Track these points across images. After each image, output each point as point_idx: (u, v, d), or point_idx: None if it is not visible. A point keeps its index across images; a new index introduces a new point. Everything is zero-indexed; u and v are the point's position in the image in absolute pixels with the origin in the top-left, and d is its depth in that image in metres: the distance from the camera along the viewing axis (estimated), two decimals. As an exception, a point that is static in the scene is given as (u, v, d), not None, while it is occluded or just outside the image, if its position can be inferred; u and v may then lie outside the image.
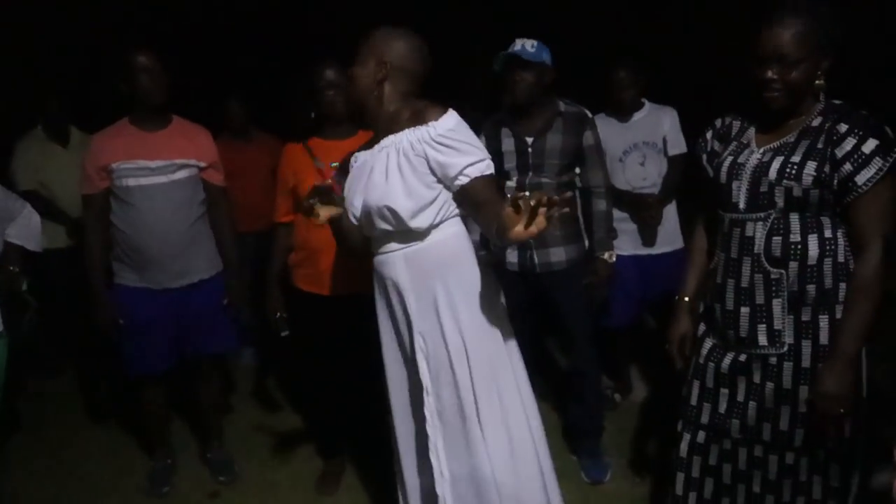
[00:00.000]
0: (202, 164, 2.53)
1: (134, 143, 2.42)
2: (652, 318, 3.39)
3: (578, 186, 2.58)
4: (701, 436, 1.82)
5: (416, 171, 1.68)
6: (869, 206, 1.55)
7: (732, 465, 1.79)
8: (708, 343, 1.81)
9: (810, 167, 1.56)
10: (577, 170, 2.54)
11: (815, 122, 1.61)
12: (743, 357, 1.71)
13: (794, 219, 1.61)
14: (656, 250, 2.98)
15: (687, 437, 1.84)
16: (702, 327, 1.85)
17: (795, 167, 1.58)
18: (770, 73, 1.57)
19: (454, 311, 1.72)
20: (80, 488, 2.76)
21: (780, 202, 1.61)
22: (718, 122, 1.82)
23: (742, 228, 1.67)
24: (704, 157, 1.82)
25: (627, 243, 2.96)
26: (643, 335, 3.31)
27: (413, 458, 1.88)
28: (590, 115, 2.54)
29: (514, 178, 2.49)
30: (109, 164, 2.39)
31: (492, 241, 2.16)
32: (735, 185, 1.67)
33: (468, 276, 1.75)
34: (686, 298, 1.91)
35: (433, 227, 1.73)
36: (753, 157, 1.66)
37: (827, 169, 1.55)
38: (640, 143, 2.92)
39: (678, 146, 2.93)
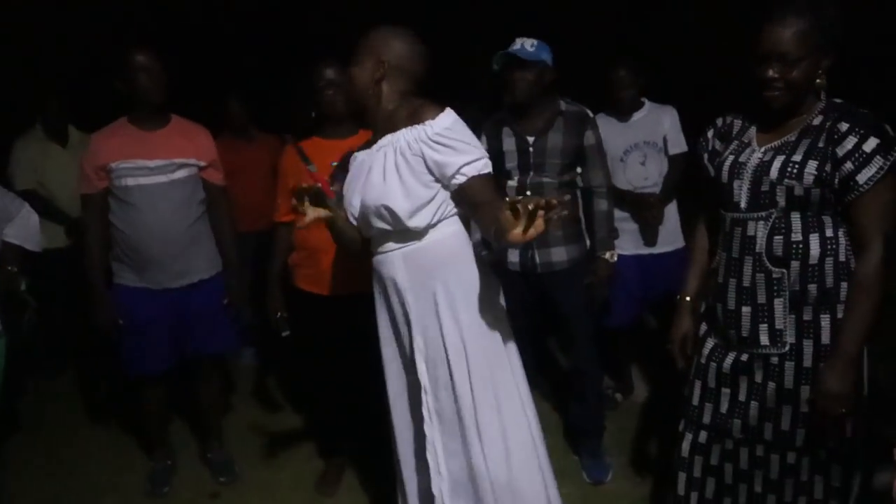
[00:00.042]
0: (201, 164, 2.52)
1: (133, 142, 2.41)
2: (653, 317, 3.39)
3: (580, 186, 2.57)
4: (703, 435, 1.82)
5: (414, 171, 1.68)
6: (870, 205, 1.55)
7: (734, 464, 1.78)
8: (709, 343, 1.81)
9: (811, 166, 1.56)
10: (579, 169, 2.53)
11: (816, 121, 1.60)
12: (744, 357, 1.71)
13: (796, 218, 1.61)
14: (657, 250, 2.98)
15: (689, 436, 1.84)
16: (703, 327, 1.85)
17: (797, 166, 1.57)
18: (771, 72, 1.57)
19: (454, 311, 1.72)
20: (79, 488, 2.76)
21: (781, 201, 1.60)
22: (719, 122, 1.82)
23: (743, 228, 1.66)
24: (705, 156, 1.81)
25: (629, 243, 2.95)
26: (644, 335, 3.31)
27: (412, 457, 1.88)
28: (591, 114, 2.54)
29: (516, 178, 2.49)
30: (108, 163, 2.38)
31: (492, 242, 2.16)
32: (736, 184, 1.67)
33: (467, 275, 1.75)
34: (687, 298, 1.91)
35: (431, 226, 1.72)
36: (755, 157, 1.65)
37: (828, 168, 1.55)
38: (641, 142, 2.91)
39: (679, 145, 2.93)
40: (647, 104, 2.96)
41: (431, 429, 1.75)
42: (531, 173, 2.47)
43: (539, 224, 1.33)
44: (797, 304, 1.63)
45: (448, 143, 1.66)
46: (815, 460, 1.68)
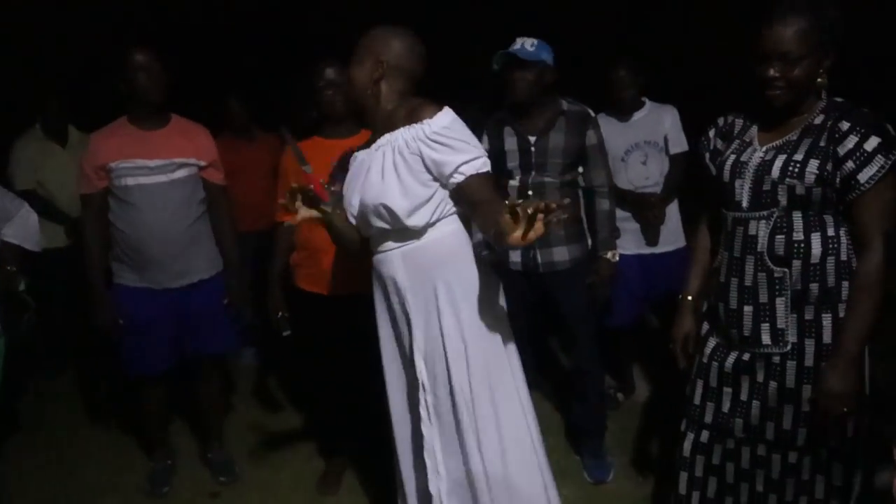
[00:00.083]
0: (202, 163, 2.52)
1: (132, 142, 2.41)
2: (655, 317, 3.38)
3: (581, 186, 2.57)
4: (704, 435, 1.81)
5: (412, 170, 1.68)
6: (871, 204, 1.55)
7: (736, 464, 1.78)
8: (711, 342, 1.80)
9: (813, 165, 1.56)
10: (580, 169, 2.53)
11: (818, 120, 1.60)
12: (746, 356, 1.71)
13: (797, 217, 1.60)
14: (659, 249, 2.98)
15: (690, 436, 1.84)
16: (705, 326, 1.85)
17: (798, 165, 1.57)
18: (772, 71, 1.57)
19: (455, 308, 1.72)
20: (79, 488, 2.76)
21: (783, 200, 1.60)
22: (721, 121, 1.82)
23: (745, 227, 1.66)
24: (707, 155, 1.81)
25: (630, 242, 2.95)
26: (646, 334, 3.31)
27: (410, 456, 1.88)
28: (593, 114, 2.53)
29: (517, 178, 2.48)
30: (108, 163, 2.38)
31: (492, 243, 2.16)
32: (738, 183, 1.67)
33: (467, 274, 1.75)
34: (689, 297, 1.91)
35: (430, 225, 1.72)
36: (756, 156, 1.65)
37: (829, 167, 1.55)
38: (642, 142, 2.91)
39: (679, 145, 2.92)
40: (648, 104, 2.96)
41: (430, 428, 1.75)
42: (533, 173, 2.46)
43: (539, 227, 1.33)
44: (799, 304, 1.63)
45: (446, 142, 1.65)
46: (817, 459, 1.68)
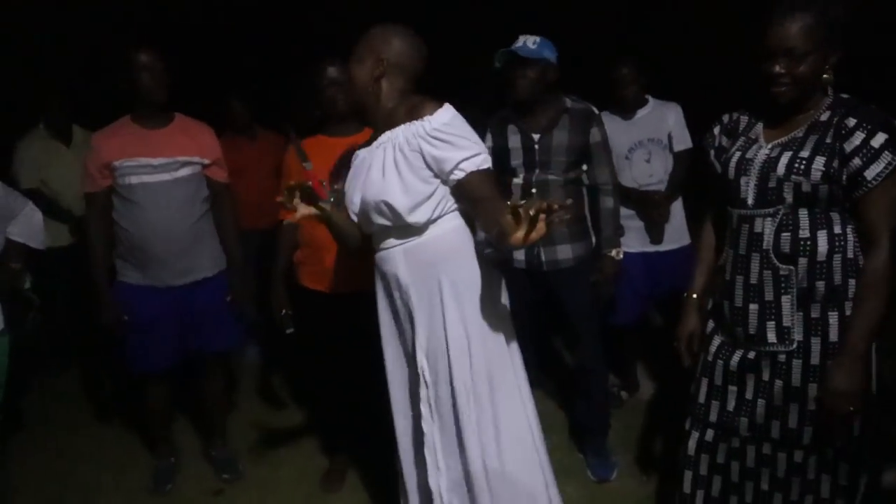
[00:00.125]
0: (205, 162, 2.52)
1: (136, 140, 2.41)
2: (659, 315, 3.38)
3: (585, 183, 2.56)
4: (709, 434, 1.81)
5: (413, 167, 1.68)
6: (878, 201, 1.54)
7: (740, 463, 1.78)
8: (716, 340, 1.80)
9: (819, 162, 1.55)
10: (584, 167, 2.53)
11: (824, 117, 1.60)
12: (752, 354, 1.70)
13: (803, 214, 1.60)
14: (663, 247, 2.97)
15: (695, 434, 1.83)
16: (710, 324, 1.84)
17: (804, 162, 1.57)
18: (778, 68, 1.56)
19: (458, 304, 1.71)
20: (83, 486, 2.76)
21: (788, 198, 1.60)
22: (726, 118, 1.81)
23: (751, 224, 1.65)
24: (712, 152, 1.80)
25: (634, 240, 2.95)
26: (650, 332, 3.31)
27: (412, 453, 1.88)
28: (596, 111, 2.53)
29: (521, 175, 2.48)
30: (111, 161, 2.38)
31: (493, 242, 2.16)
32: (743, 180, 1.66)
33: (469, 270, 1.75)
34: (694, 295, 1.90)
35: (431, 221, 1.72)
36: (762, 153, 1.64)
37: (836, 164, 1.54)
38: (646, 139, 2.91)
39: (683, 142, 2.92)
40: (651, 101, 2.95)
41: (430, 425, 1.76)
42: (537, 171, 2.46)
43: (541, 228, 1.33)
44: (805, 302, 1.62)
45: (446, 139, 1.65)
46: (823, 459, 1.67)
